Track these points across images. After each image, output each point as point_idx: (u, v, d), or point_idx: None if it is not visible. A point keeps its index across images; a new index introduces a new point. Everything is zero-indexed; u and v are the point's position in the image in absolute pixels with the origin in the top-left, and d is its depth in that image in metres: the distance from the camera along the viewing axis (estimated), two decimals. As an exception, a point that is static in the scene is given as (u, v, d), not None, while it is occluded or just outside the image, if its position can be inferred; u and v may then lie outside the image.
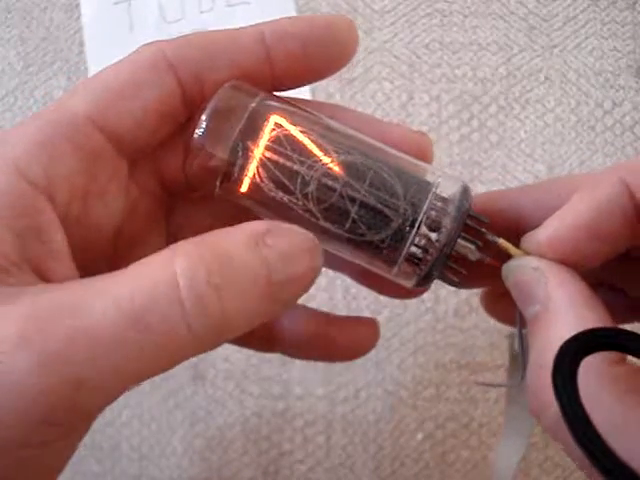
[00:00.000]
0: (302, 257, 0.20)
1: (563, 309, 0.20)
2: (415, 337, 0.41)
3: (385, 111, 0.44)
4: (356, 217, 0.22)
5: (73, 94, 0.22)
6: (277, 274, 0.20)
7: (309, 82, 0.25)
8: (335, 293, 0.42)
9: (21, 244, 0.20)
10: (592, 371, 0.19)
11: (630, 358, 0.19)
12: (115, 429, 0.41)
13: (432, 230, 0.22)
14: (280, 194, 0.22)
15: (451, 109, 0.44)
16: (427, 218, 0.22)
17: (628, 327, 0.20)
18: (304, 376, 0.41)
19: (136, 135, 0.23)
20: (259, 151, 0.22)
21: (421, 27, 0.45)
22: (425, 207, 0.22)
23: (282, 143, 0.22)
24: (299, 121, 0.23)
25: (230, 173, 0.22)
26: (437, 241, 0.22)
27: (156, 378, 0.44)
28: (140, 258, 0.24)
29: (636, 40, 0.44)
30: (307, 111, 0.24)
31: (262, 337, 0.28)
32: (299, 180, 0.22)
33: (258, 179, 0.22)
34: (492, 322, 0.41)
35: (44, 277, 0.20)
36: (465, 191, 0.23)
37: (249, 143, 0.22)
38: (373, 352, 0.42)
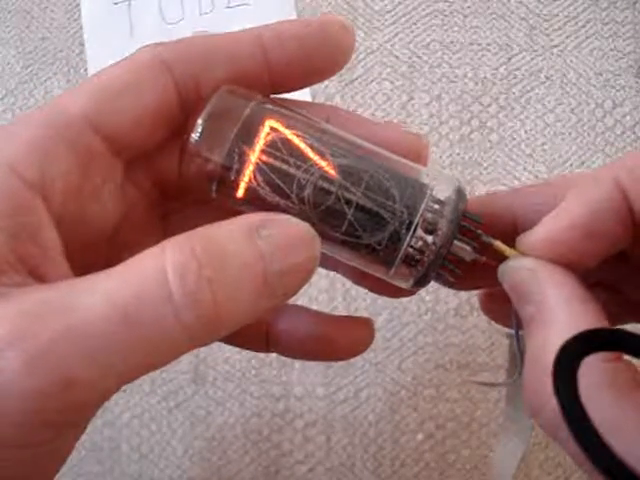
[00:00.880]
0: (298, 248, 0.20)
1: (558, 310, 0.20)
2: (415, 337, 0.41)
3: (385, 111, 0.44)
4: (352, 220, 0.22)
5: (69, 94, 0.22)
6: (273, 265, 0.20)
7: (308, 84, 0.25)
8: (335, 294, 0.42)
9: (15, 244, 0.19)
10: (590, 369, 0.19)
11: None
12: (115, 430, 0.41)
13: (428, 232, 0.22)
14: (276, 198, 0.22)
15: (451, 109, 0.44)
16: (423, 220, 0.22)
17: (628, 327, 0.20)
18: (304, 377, 0.41)
19: (131, 136, 0.23)
20: (255, 155, 0.22)
21: (421, 27, 0.45)
22: (421, 209, 0.22)
23: (278, 147, 0.22)
24: (295, 125, 0.23)
25: (226, 177, 0.22)
26: (433, 243, 0.22)
27: (156, 378, 0.45)
28: None
29: (637, 40, 0.44)
30: (303, 115, 0.24)
31: (257, 337, 0.28)
32: (295, 184, 0.22)
33: (254, 183, 0.22)
34: (492, 322, 0.42)
35: (38, 277, 0.20)
36: (460, 192, 0.23)
37: (245, 147, 0.22)
38: (373, 353, 0.42)
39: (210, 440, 0.41)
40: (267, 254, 0.20)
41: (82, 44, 0.47)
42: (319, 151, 0.23)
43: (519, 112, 0.44)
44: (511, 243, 0.23)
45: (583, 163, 0.43)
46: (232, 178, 0.22)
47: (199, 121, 0.22)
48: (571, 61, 0.44)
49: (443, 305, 0.41)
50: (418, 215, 0.22)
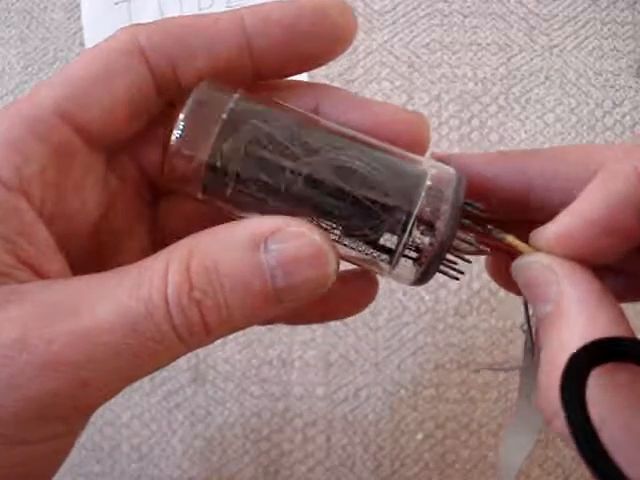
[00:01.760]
0: (309, 265, 0.19)
1: (575, 311, 0.20)
2: (415, 337, 0.41)
3: (385, 111, 0.44)
4: (346, 216, 0.21)
5: (42, 85, 0.21)
6: (277, 282, 0.19)
7: (296, 73, 0.23)
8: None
9: (11, 246, 0.20)
10: (603, 375, 0.18)
11: None
12: (115, 429, 0.41)
13: (428, 226, 0.21)
14: (265, 196, 0.21)
15: (451, 109, 0.44)
16: (422, 214, 0.21)
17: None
18: (304, 376, 0.41)
19: (107, 126, 0.22)
20: (240, 152, 0.21)
21: (421, 27, 0.45)
22: (419, 203, 0.21)
23: (264, 143, 0.21)
24: (281, 119, 0.22)
25: (211, 176, 0.21)
26: (434, 236, 0.21)
27: (156, 378, 0.44)
28: (125, 249, 0.24)
29: (636, 40, 0.44)
30: (290, 107, 0.22)
31: None
32: (283, 180, 0.21)
33: (241, 181, 0.21)
34: (492, 322, 0.42)
35: (40, 275, 0.20)
36: (460, 182, 0.22)
37: (229, 144, 0.21)
38: (373, 352, 0.42)
39: (210, 440, 0.41)
40: (271, 270, 0.19)
41: (82, 44, 0.47)
42: (307, 145, 0.21)
43: (519, 112, 0.44)
44: (523, 211, 0.22)
45: (583, 163, 0.43)
46: (217, 176, 0.21)
47: (180, 118, 0.21)
48: (571, 61, 0.44)
49: (443, 305, 0.41)
50: (416, 208, 0.21)
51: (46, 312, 0.19)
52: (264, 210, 0.21)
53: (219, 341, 0.30)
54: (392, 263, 0.22)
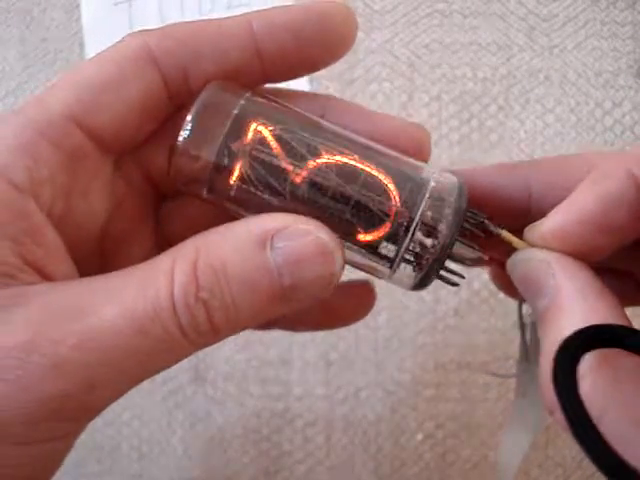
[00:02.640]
0: (314, 263, 0.20)
1: (574, 301, 0.20)
2: (415, 337, 0.41)
3: (385, 111, 0.44)
4: (349, 219, 0.21)
5: (52, 91, 0.22)
6: (283, 280, 0.19)
7: (302, 75, 0.24)
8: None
9: (19, 249, 0.20)
10: (602, 364, 0.18)
11: None
12: (115, 429, 0.41)
13: (429, 231, 0.22)
14: (269, 196, 0.21)
15: (451, 109, 0.44)
16: (424, 219, 0.21)
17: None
18: (304, 376, 0.41)
19: (118, 132, 0.22)
20: (246, 153, 0.21)
21: (421, 27, 0.45)
22: (421, 208, 0.21)
23: (270, 144, 0.21)
24: (288, 120, 0.22)
25: (217, 176, 0.22)
26: (435, 242, 0.21)
27: (156, 378, 0.44)
28: (129, 252, 0.24)
29: (636, 40, 0.44)
30: (296, 110, 0.23)
31: None
32: (288, 181, 0.21)
33: (246, 181, 0.21)
34: (492, 322, 0.42)
35: (46, 277, 0.20)
36: (461, 189, 0.22)
37: (236, 145, 0.21)
38: (373, 352, 0.42)
39: (210, 440, 0.41)
40: (278, 268, 0.19)
41: (82, 44, 0.47)
42: (313, 148, 0.22)
43: (519, 112, 0.44)
44: (522, 222, 0.22)
45: (583, 163, 0.43)
46: (223, 177, 0.21)
47: (188, 119, 0.21)
48: (571, 61, 0.44)
49: (443, 305, 0.41)
50: (418, 214, 0.21)
51: (53, 314, 0.19)
52: (269, 210, 0.21)
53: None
54: (392, 267, 0.22)
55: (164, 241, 0.25)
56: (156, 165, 0.25)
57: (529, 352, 0.24)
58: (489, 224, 0.23)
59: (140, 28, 0.23)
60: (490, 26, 0.45)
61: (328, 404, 0.41)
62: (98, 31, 0.47)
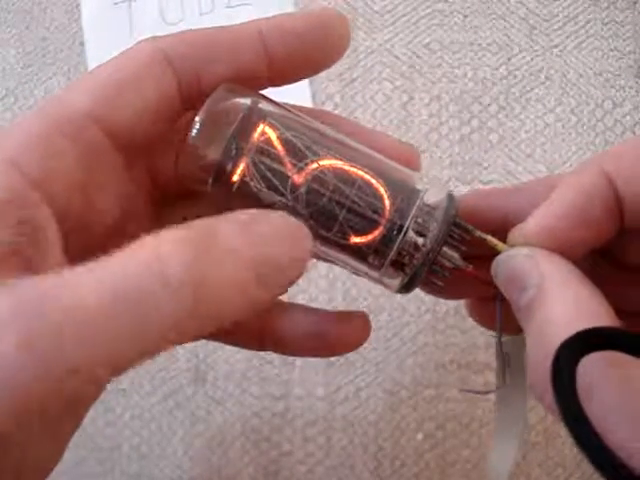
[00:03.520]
0: (286, 244, 0.20)
1: (559, 286, 0.21)
2: (415, 337, 0.41)
3: (385, 111, 0.44)
4: (343, 221, 0.23)
5: (70, 90, 0.22)
6: (258, 259, 0.19)
7: (305, 77, 0.26)
8: (335, 294, 0.42)
9: (10, 235, 0.19)
10: (609, 362, 0.19)
11: None
12: (115, 429, 0.41)
13: (418, 236, 0.23)
14: (270, 195, 0.23)
15: (451, 109, 0.44)
16: (414, 225, 0.23)
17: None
18: (304, 377, 0.41)
19: (134, 131, 0.23)
20: (251, 153, 0.23)
21: (421, 27, 0.45)
22: (412, 214, 0.23)
23: (273, 145, 0.23)
24: (291, 124, 0.23)
25: (221, 173, 0.23)
26: (423, 246, 0.23)
27: (156, 378, 0.44)
28: None
29: (636, 40, 0.44)
30: (299, 115, 0.24)
31: (252, 335, 0.28)
32: (289, 182, 0.23)
33: (249, 180, 0.23)
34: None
35: (32, 270, 0.20)
36: (451, 199, 0.24)
37: (241, 145, 0.23)
38: (373, 353, 0.42)
39: (210, 440, 0.41)
40: (254, 247, 0.19)
41: (82, 44, 0.47)
42: (314, 151, 0.23)
43: (519, 112, 0.44)
44: (503, 241, 0.24)
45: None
46: (227, 174, 0.23)
47: (197, 119, 0.23)
48: (571, 61, 0.44)
49: (443, 305, 0.41)
50: (409, 219, 0.23)
51: (29, 300, 0.17)
52: (268, 209, 0.22)
53: (215, 340, 0.30)
54: (380, 270, 0.24)
55: None
56: (163, 169, 0.25)
57: (504, 359, 0.25)
58: (474, 230, 0.24)
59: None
60: (490, 26, 0.45)
61: (328, 404, 0.41)
62: (98, 31, 0.47)
